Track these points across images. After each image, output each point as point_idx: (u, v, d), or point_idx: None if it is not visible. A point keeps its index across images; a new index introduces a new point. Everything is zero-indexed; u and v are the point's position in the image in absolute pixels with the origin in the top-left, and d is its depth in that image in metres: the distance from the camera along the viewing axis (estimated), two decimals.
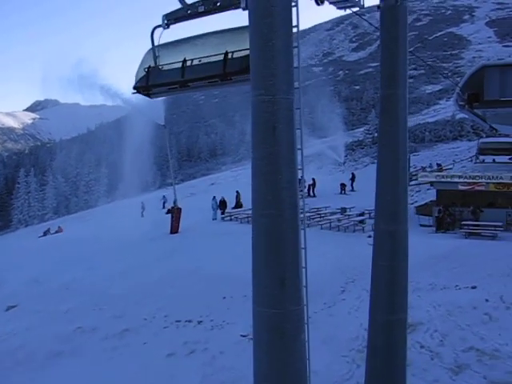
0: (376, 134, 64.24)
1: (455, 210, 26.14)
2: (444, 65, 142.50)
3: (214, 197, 33.94)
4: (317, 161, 61.12)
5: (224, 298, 18.23)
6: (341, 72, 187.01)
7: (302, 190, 6.44)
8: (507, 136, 37.27)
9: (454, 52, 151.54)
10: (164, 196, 51.42)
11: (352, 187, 42.81)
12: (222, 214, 32.89)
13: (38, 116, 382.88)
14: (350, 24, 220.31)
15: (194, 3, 6.44)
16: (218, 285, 19.19)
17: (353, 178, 43.27)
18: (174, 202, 29.74)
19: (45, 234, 48.74)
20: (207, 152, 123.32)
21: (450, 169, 36.25)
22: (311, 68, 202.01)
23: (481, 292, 16.54)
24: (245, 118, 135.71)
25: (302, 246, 6.51)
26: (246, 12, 5.66)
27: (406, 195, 9.40)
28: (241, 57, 6.39)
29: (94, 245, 29.60)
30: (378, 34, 9.42)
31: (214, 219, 32.45)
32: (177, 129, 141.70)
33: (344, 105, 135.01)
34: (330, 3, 10.93)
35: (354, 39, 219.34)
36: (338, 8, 11.20)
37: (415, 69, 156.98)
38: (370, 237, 24.32)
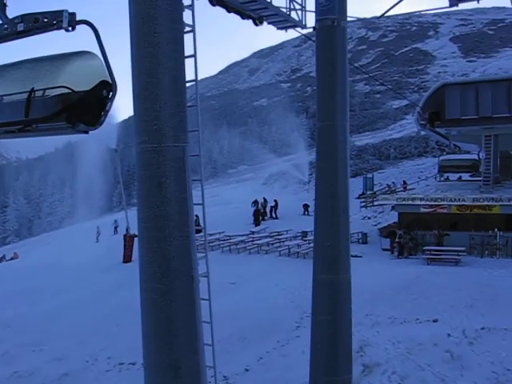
0: None
1: (417, 233, 25.25)
2: (410, 80, 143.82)
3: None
4: (282, 180, 60.25)
5: None
6: (309, 88, 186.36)
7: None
8: (468, 153, 36.97)
9: (419, 67, 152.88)
10: (116, 221, 49.20)
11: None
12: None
13: None
14: None
15: (13, 19, 4.67)
16: None
17: None
18: (127, 229, 28.33)
19: (0, 260, 46.79)
20: None
21: (414, 189, 35.44)
22: (279, 84, 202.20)
23: (442, 326, 15.65)
24: (223, 129, 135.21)
25: (206, 319, 5.40)
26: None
27: (348, 240, 8.35)
28: (52, 97, 4.41)
29: (45, 275, 28.68)
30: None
31: None
32: None
33: (312, 121, 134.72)
34: (269, 23, 9.89)
35: None
36: (279, 28, 10.20)
37: (382, 84, 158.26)
38: None
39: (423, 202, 24.96)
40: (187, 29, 4.98)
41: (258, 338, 16.13)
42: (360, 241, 29.12)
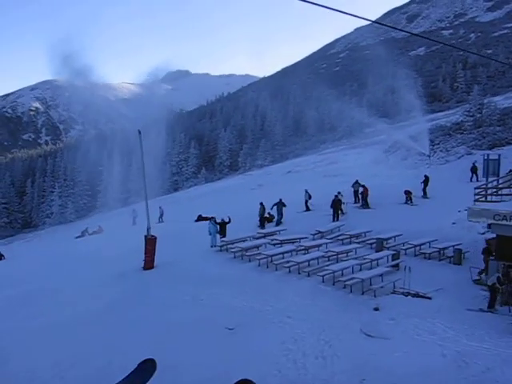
0: (479, 116, 52.86)
1: None
2: None
3: (212, 218, 26.69)
4: (402, 150, 51.05)
5: None
6: (472, 35, 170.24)
7: None
8: None
9: None
10: (134, 210, 44.04)
11: (424, 192, 33.34)
12: (222, 237, 25.64)
13: (170, 87, 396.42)
14: None
15: None
16: None
17: (425, 182, 33.65)
18: (148, 230, 22.93)
19: (82, 234, 44.21)
20: (314, 127, 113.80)
21: None
22: (440, 32, 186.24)
23: None
24: (362, 88, 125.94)
25: None
26: None
27: None
28: None
29: (73, 271, 25.73)
30: None
31: (213, 246, 25.18)
32: (293, 100, 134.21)
33: (470, 72, 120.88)
34: None
35: None
36: None
37: None
38: (376, 310, 16.11)
39: None
40: None
41: None
42: (452, 260, 21.04)
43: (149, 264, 22.48)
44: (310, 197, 33.85)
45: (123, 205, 76.90)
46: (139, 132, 23.88)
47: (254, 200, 34.09)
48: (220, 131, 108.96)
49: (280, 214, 30.50)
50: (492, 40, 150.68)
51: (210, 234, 25.34)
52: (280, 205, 30.50)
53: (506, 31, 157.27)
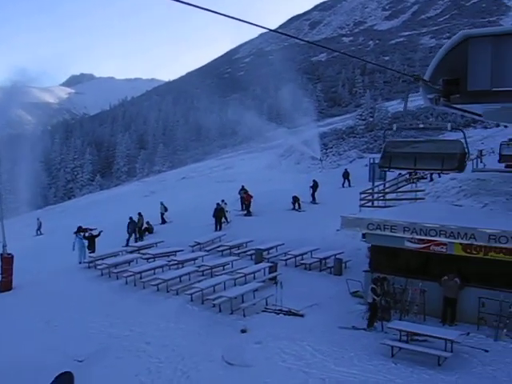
0: (371, 120, 53.36)
1: (394, 283, 15.58)
2: None
3: (80, 229, 24.59)
4: (296, 154, 50.64)
5: None
6: (371, 42, 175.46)
7: None
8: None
9: (492, 19, 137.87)
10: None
11: (313, 198, 32.56)
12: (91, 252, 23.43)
13: (73, 91, 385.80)
14: None
15: None
16: None
17: (314, 186, 32.91)
18: (4, 248, 20.40)
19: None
20: (216, 131, 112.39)
21: (423, 190, 25.20)
22: (341, 39, 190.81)
23: None
24: (265, 93, 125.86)
25: None
26: None
27: None
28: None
29: None
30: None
31: (81, 263, 22.89)
32: (196, 104, 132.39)
33: (368, 77, 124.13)
34: None
35: (387, 7, 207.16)
36: None
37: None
38: (244, 332, 14.64)
39: (408, 235, 15.08)
40: None
41: None
42: (332, 271, 19.98)
43: (6, 285, 20.02)
44: (166, 209, 32.73)
45: (12, 215, 72.13)
46: None
47: (143, 208, 32.08)
48: (118, 136, 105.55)
49: (132, 232, 28.36)
50: (389, 47, 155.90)
51: (78, 250, 23.09)
52: (132, 223, 28.46)
53: (402, 39, 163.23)
